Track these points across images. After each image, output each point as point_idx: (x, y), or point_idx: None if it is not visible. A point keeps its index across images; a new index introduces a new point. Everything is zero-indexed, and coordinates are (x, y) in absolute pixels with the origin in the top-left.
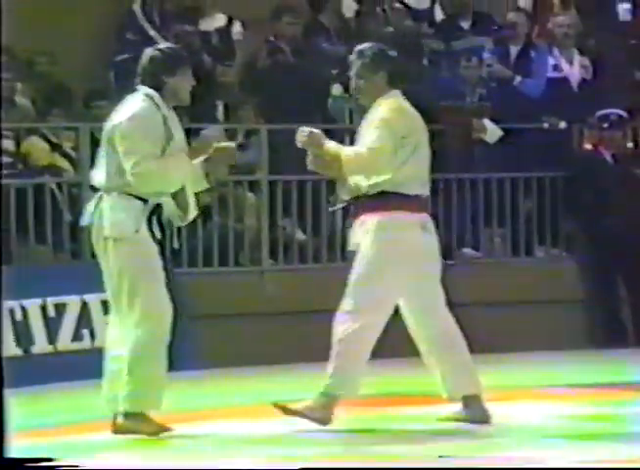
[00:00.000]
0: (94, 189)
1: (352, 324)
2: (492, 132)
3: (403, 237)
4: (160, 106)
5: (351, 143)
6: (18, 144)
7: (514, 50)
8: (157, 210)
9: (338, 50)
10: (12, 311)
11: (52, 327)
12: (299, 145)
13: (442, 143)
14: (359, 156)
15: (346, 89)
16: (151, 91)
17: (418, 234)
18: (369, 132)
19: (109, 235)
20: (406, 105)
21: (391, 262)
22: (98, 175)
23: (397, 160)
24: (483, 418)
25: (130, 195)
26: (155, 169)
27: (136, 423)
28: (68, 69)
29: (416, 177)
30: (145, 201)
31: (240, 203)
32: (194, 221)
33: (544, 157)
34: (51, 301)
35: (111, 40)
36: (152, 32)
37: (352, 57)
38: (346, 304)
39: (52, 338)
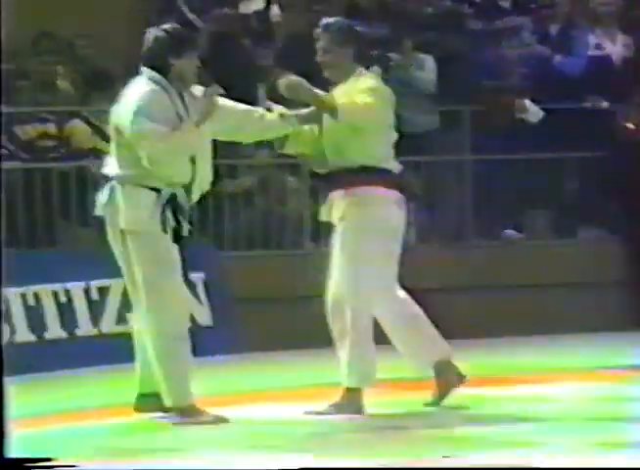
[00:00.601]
0: (106, 178)
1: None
2: (534, 112)
3: (388, 212)
4: (167, 88)
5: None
6: (60, 128)
7: (554, 29)
8: (171, 199)
9: (377, 32)
10: (56, 294)
11: (95, 310)
12: (285, 94)
13: (484, 124)
14: (355, 104)
15: (386, 70)
16: (155, 74)
17: (396, 210)
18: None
19: (124, 228)
20: (382, 84)
21: (379, 238)
22: (110, 165)
23: (379, 134)
24: (458, 381)
25: (144, 186)
26: (164, 147)
27: (191, 416)
28: (108, 51)
29: (392, 155)
30: (158, 191)
31: (281, 186)
32: (236, 205)
33: (587, 137)
34: (94, 284)
35: (151, 22)
36: (190, 15)
37: (319, 31)
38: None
39: (96, 321)
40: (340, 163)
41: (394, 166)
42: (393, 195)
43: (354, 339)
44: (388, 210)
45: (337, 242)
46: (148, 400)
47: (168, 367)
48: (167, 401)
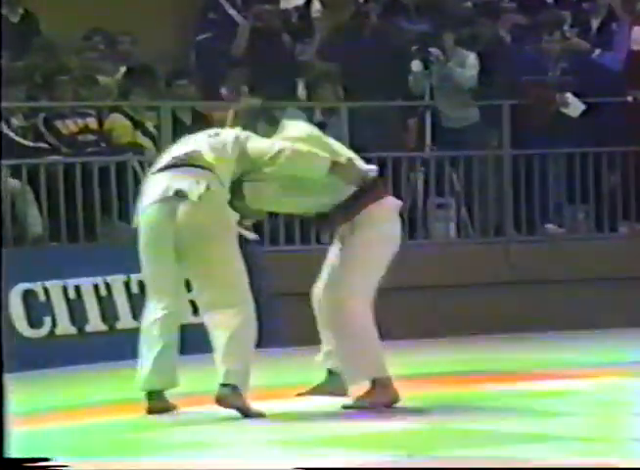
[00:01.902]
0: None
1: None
2: (575, 106)
3: (394, 224)
4: None
5: (432, 119)
6: (100, 122)
7: (595, 23)
8: None
9: (417, 27)
10: (96, 287)
11: (135, 303)
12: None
13: (526, 118)
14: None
15: (427, 66)
16: None
17: (397, 218)
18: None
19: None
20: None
21: (388, 248)
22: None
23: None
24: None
25: None
26: None
27: (247, 407)
28: (150, 48)
29: (358, 159)
30: None
31: None
32: None
33: (628, 131)
34: (134, 277)
35: (192, 19)
36: (232, 11)
37: None
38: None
39: (135, 314)
40: (329, 204)
41: (370, 169)
42: (393, 203)
43: (353, 336)
44: (394, 221)
45: (347, 248)
46: (161, 397)
47: (247, 356)
48: (228, 379)
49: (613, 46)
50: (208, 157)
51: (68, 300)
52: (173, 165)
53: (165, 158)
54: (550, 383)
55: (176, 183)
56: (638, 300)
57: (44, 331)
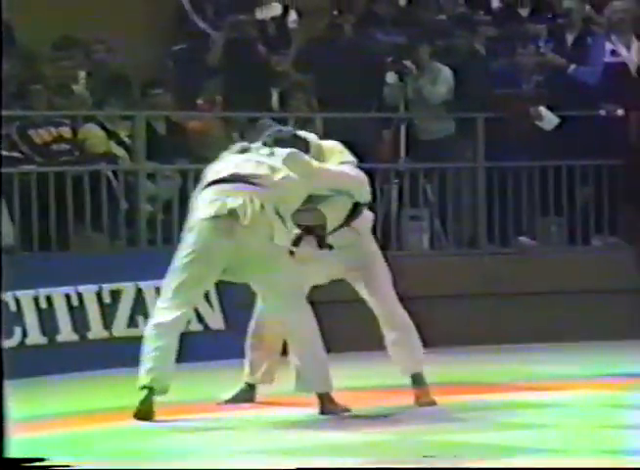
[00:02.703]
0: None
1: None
2: (549, 120)
3: None
4: None
5: (407, 131)
6: (74, 132)
7: (570, 37)
8: None
9: (392, 39)
10: (68, 297)
11: (107, 314)
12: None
13: (500, 131)
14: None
15: (402, 78)
16: None
17: None
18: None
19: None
20: None
21: None
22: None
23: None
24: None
25: None
26: None
27: (330, 403)
28: (124, 57)
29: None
30: None
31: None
32: None
33: (601, 144)
34: (106, 287)
35: (167, 28)
36: (202, 25)
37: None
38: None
39: (107, 324)
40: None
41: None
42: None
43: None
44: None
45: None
46: (150, 402)
47: (319, 355)
48: (312, 388)
49: (588, 60)
50: (267, 172)
51: (39, 309)
52: (229, 180)
53: (218, 171)
54: (520, 395)
55: (230, 201)
56: (610, 313)
57: (15, 341)
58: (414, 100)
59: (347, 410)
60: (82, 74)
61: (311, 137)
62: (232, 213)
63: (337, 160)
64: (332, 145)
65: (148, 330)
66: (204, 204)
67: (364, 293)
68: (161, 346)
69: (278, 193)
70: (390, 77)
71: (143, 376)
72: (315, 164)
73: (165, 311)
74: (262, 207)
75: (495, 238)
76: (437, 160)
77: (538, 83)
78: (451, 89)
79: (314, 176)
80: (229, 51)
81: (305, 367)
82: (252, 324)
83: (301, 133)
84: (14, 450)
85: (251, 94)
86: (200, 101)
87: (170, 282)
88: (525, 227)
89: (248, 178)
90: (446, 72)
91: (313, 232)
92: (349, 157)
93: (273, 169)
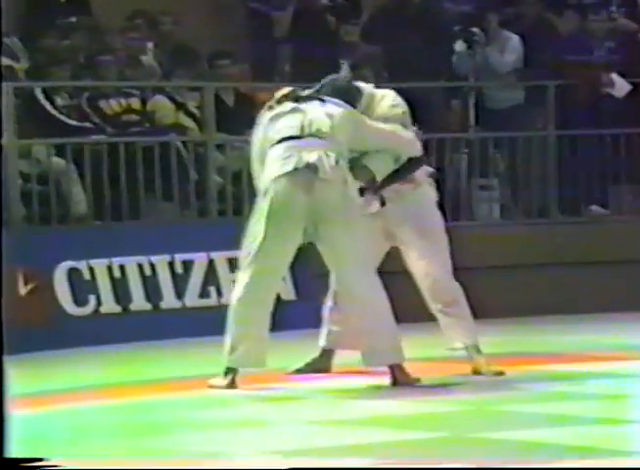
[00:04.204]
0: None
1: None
2: (620, 86)
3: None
4: None
5: (476, 100)
6: (144, 103)
7: None
8: None
9: (460, 7)
10: (141, 267)
11: (179, 283)
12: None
13: (571, 98)
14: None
15: (470, 46)
16: None
17: None
18: None
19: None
20: None
21: None
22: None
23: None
24: None
25: None
26: None
27: (404, 374)
28: (192, 29)
29: None
30: None
31: None
32: None
33: None
34: (178, 257)
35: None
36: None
37: None
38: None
39: (179, 294)
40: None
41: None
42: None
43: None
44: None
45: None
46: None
47: (391, 324)
48: (391, 359)
49: None
50: (329, 127)
51: (112, 278)
52: (297, 137)
53: (284, 126)
54: (596, 365)
55: (306, 156)
56: None
57: (89, 309)
58: (483, 69)
59: (418, 381)
60: (150, 46)
61: (366, 87)
62: (310, 167)
63: (383, 112)
64: (384, 97)
65: (232, 305)
66: (277, 161)
67: (409, 256)
68: (245, 319)
69: (344, 147)
70: (459, 46)
71: (227, 356)
72: (366, 122)
73: (247, 285)
74: (337, 161)
75: (566, 207)
76: (507, 129)
77: (610, 50)
78: (520, 57)
79: (365, 135)
80: (298, 21)
81: (378, 338)
82: (331, 292)
83: (356, 83)
84: (68, 419)
85: (320, 64)
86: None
87: (250, 249)
88: (597, 196)
89: (317, 134)
90: (515, 41)
91: (368, 190)
92: (398, 111)
93: (332, 126)
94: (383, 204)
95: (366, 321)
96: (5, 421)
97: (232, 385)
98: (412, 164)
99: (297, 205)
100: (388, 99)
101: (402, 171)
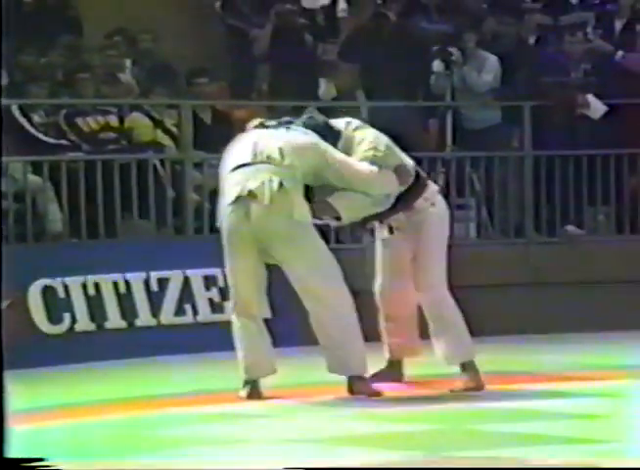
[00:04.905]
0: None
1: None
2: (596, 108)
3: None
4: None
5: (454, 120)
6: (121, 120)
7: (618, 24)
8: None
9: (438, 27)
10: (116, 285)
11: (155, 301)
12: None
13: (547, 119)
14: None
15: (448, 66)
16: None
17: None
18: None
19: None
20: None
21: None
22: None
23: None
24: None
25: None
26: None
27: (364, 386)
28: (171, 46)
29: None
30: None
31: None
32: None
33: None
34: (154, 275)
35: (212, 18)
36: (246, 11)
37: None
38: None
39: (155, 312)
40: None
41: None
42: (434, 187)
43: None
44: (442, 201)
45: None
46: (256, 386)
47: (356, 334)
48: (344, 372)
49: (636, 47)
50: (282, 153)
51: (87, 296)
52: (248, 164)
53: (238, 154)
54: (568, 384)
55: (250, 183)
56: None
57: (64, 327)
58: (460, 88)
59: (378, 394)
60: (128, 63)
61: (344, 129)
62: (251, 195)
63: (358, 158)
64: (362, 141)
65: (233, 324)
66: (227, 191)
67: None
68: (245, 336)
69: (299, 171)
70: (437, 66)
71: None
72: (331, 154)
73: (237, 308)
74: (281, 185)
75: (542, 227)
76: (484, 148)
77: (586, 71)
78: (497, 77)
79: (328, 164)
80: (276, 40)
81: (341, 347)
82: (378, 301)
83: (335, 122)
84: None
85: (298, 83)
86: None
87: (228, 276)
88: (573, 216)
89: (267, 160)
90: (492, 61)
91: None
92: (371, 154)
93: (286, 153)
94: (391, 232)
95: (330, 328)
96: (5, 421)
97: (252, 396)
98: (411, 193)
99: (241, 233)
100: (365, 144)
101: (402, 202)
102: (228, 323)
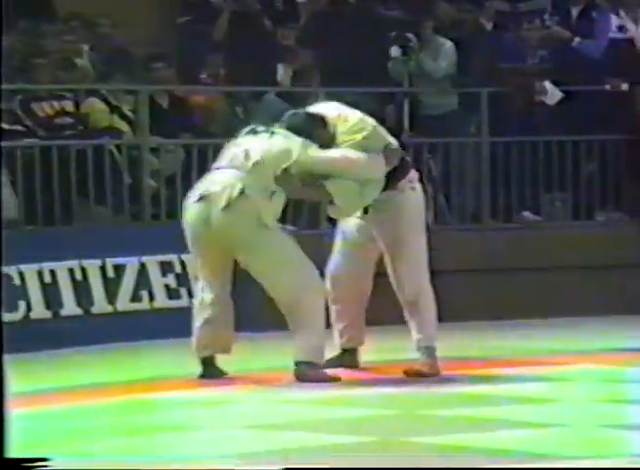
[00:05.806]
0: None
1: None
2: (553, 94)
3: None
4: None
5: (411, 106)
6: (77, 106)
7: (575, 11)
8: None
9: (396, 13)
10: (72, 271)
11: (111, 288)
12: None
13: (504, 105)
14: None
15: (405, 52)
16: None
17: None
18: None
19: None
20: None
21: None
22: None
23: None
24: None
25: None
26: None
27: (317, 372)
28: (128, 31)
29: None
30: None
31: None
32: None
33: (606, 119)
34: (110, 261)
35: (171, 2)
36: None
37: None
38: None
39: (111, 298)
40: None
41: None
42: (415, 174)
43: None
44: (419, 189)
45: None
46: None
47: (318, 324)
48: (300, 356)
49: (593, 34)
50: (253, 159)
51: (43, 284)
52: (222, 167)
53: (221, 158)
54: (521, 369)
55: (214, 186)
56: (613, 288)
57: (19, 315)
58: (418, 74)
59: (331, 380)
60: (85, 48)
61: (330, 114)
62: (209, 198)
63: (341, 140)
64: (345, 123)
65: (194, 307)
66: (199, 187)
67: (386, 261)
68: (207, 318)
69: (259, 176)
70: (394, 52)
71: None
72: (311, 152)
73: (202, 293)
74: (242, 191)
75: (499, 213)
76: (441, 134)
77: (543, 58)
78: (454, 64)
79: (308, 162)
80: (234, 25)
81: (302, 335)
82: (330, 289)
83: (316, 109)
84: (16, 425)
85: (256, 68)
86: (203, 75)
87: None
88: (529, 202)
89: (237, 166)
90: (448, 47)
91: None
92: (357, 137)
93: (258, 160)
94: (365, 212)
95: (293, 319)
96: (5, 421)
97: (207, 375)
98: (396, 172)
99: (199, 234)
100: (347, 125)
101: (389, 181)
102: (185, 309)
